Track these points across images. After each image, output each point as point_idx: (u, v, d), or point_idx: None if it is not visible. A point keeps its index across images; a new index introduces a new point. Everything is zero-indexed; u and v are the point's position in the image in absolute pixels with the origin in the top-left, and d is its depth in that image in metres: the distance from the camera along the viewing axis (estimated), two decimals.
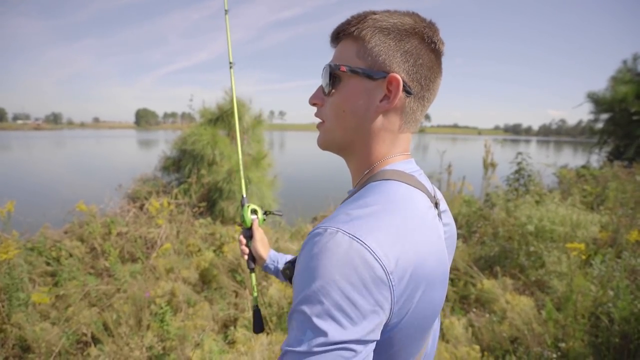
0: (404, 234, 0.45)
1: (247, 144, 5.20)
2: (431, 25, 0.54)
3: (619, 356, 1.89)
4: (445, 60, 0.57)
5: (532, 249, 3.05)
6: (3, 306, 2.32)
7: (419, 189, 0.53)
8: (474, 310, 2.63)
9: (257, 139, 5.33)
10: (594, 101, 9.07)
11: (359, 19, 0.53)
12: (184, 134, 4.92)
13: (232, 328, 2.39)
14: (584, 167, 7.49)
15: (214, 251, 3.53)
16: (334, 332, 0.38)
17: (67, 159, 22.93)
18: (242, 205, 0.99)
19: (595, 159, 8.65)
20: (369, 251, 0.41)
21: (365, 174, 0.57)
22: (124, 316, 2.31)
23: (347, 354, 0.38)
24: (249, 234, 0.98)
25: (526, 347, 2.03)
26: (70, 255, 3.23)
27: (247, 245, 0.98)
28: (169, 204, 3.89)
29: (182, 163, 4.86)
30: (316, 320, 0.38)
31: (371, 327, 0.40)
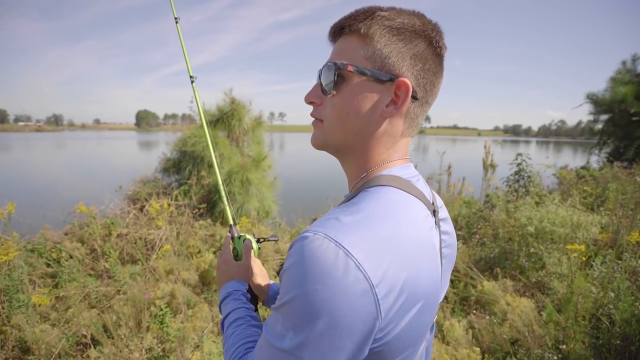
0: (396, 244, 0.43)
1: (248, 146, 5.21)
2: (437, 28, 0.52)
3: (620, 358, 1.89)
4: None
5: (532, 250, 3.04)
6: (3, 308, 2.32)
7: (416, 197, 0.51)
8: (474, 311, 2.63)
9: (257, 140, 5.34)
10: (593, 102, 9.07)
11: (367, 15, 0.50)
12: (184, 136, 4.92)
13: None
14: (583, 168, 7.49)
15: (214, 253, 3.53)
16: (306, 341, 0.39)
17: (68, 160, 22.96)
18: (232, 238, 0.84)
19: (595, 160, 8.64)
20: (354, 262, 0.39)
21: (362, 177, 0.54)
22: (123, 318, 2.30)
23: None
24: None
25: (527, 349, 2.03)
26: (71, 257, 3.23)
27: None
28: (169, 205, 3.89)
29: (182, 164, 4.86)
30: (292, 329, 0.40)
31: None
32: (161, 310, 2.19)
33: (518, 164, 4.70)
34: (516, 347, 2.09)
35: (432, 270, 0.47)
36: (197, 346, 2.09)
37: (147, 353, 2.02)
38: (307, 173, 13.73)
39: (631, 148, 7.65)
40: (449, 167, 6.11)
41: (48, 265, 3.13)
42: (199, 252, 3.56)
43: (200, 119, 1.02)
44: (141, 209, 4.21)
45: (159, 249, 3.42)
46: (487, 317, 2.44)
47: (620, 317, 1.94)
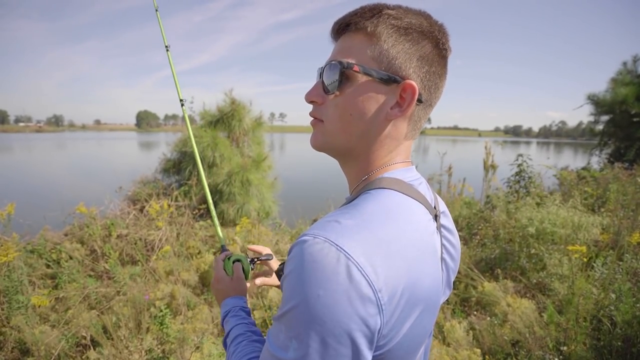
0: (398, 248, 0.42)
1: (248, 146, 5.20)
2: (443, 30, 0.51)
3: None
4: None
5: (533, 251, 3.04)
6: (2, 309, 2.32)
7: (417, 200, 0.50)
8: (475, 313, 2.62)
9: (258, 140, 5.33)
10: (594, 103, 9.06)
11: (373, 12, 0.49)
12: (184, 136, 4.92)
13: None
14: (584, 168, 7.47)
15: (214, 253, 3.53)
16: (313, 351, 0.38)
17: (68, 161, 22.98)
18: (223, 261, 0.82)
19: (596, 161, 8.63)
20: (356, 265, 0.38)
21: (363, 180, 0.53)
22: (123, 319, 2.30)
23: None
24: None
25: (527, 351, 2.02)
26: (70, 258, 3.23)
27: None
28: (169, 206, 3.88)
29: (182, 165, 4.86)
30: (295, 338, 0.38)
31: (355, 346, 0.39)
32: (161, 311, 2.19)
33: (519, 165, 4.70)
34: (517, 349, 2.09)
35: (433, 275, 0.47)
36: (197, 347, 2.09)
37: (146, 354, 2.02)
38: (307, 174, 13.73)
39: (632, 149, 7.64)
40: (450, 168, 6.11)
41: (48, 266, 3.12)
42: (199, 252, 3.56)
43: (191, 145, 1.04)
44: (141, 210, 4.21)
45: (159, 250, 3.42)
46: (488, 318, 2.43)
47: (621, 318, 1.93)
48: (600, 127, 9.20)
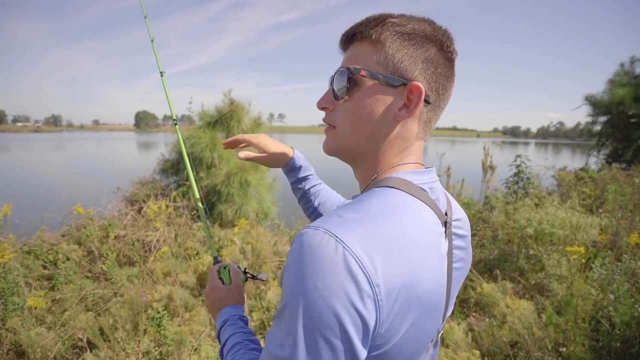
0: (399, 245, 0.42)
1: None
2: (447, 34, 0.53)
3: None
4: None
5: (531, 252, 3.04)
6: None
7: (426, 203, 0.50)
8: (474, 314, 2.62)
9: None
10: (591, 104, 9.10)
11: (378, 22, 0.51)
12: (182, 137, 4.90)
13: None
14: (582, 169, 7.50)
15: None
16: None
17: (66, 161, 22.90)
18: (218, 271, 0.81)
19: (594, 162, 8.66)
20: (354, 258, 0.38)
21: (372, 179, 0.54)
22: (120, 321, 2.29)
23: None
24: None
25: (527, 352, 2.02)
26: (67, 259, 3.21)
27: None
28: (167, 206, 3.87)
29: (180, 166, 4.85)
30: (291, 333, 0.39)
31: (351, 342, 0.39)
32: (158, 313, 2.18)
33: (517, 166, 4.71)
34: (516, 350, 2.08)
35: (435, 277, 0.46)
36: (195, 349, 2.08)
37: (144, 356, 2.01)
38: None
39: (629, 149, 7.68)
40: (448, 169, 6.11)
41: (44, 268, 3.10)
42: (197, 254, 3.54)
43: (184, 161, 1.06)
44: (139, 211, 4.19)
45: (157, 251, 3.40)
46: (487, 319, 2.43)
47: (620, 319, 1.93)
48: (598, 128, 9.24)
